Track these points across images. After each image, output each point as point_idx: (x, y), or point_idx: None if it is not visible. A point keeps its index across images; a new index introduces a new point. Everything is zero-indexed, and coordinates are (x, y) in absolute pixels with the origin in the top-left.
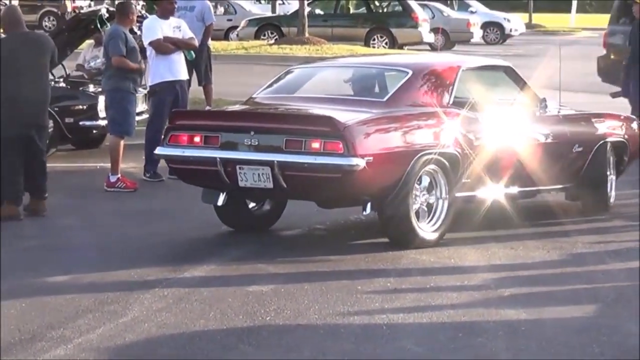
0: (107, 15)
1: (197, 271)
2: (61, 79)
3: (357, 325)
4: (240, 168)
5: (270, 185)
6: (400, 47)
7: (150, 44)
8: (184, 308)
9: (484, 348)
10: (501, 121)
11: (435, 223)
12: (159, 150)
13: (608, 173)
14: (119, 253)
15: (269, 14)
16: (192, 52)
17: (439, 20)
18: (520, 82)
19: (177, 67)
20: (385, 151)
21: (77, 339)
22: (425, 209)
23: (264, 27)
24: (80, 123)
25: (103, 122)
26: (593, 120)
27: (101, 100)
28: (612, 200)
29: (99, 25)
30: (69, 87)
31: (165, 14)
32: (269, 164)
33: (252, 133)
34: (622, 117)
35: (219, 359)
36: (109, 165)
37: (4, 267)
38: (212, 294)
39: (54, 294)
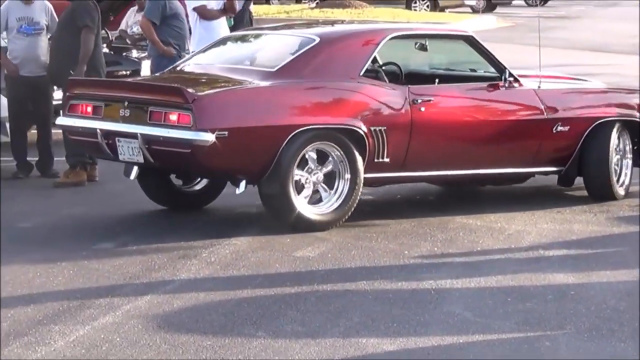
0: None
1: (243, 238)
2: (104, 45)
3: (405, 290)
4: (118, 140)
5: (141, 159)
6: (442, 9)
7: (195, 9)
8: (231, 274)
9: (533, 312)
10: (444, 95)
11: (334, 203)
12: (58, 121)
13: (614, 158)
14: (166, 220)
15: None
16: (231, 18)
17: None
18: (483, 53)
19: (220, 33)
20: (245, 126)
21: (126, 306)
22: (324, 187)
23: None
24: None
25: None
26: (587, 96)
27: (145, 65)
28: (622, 188)
29: None
30: (112, 52)
31: None
32: (135, 136)
33: (126, 104)
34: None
35: (267, 325)
36: None
37: (52, 233)
38: (258, 260)
39: (102, 261)
